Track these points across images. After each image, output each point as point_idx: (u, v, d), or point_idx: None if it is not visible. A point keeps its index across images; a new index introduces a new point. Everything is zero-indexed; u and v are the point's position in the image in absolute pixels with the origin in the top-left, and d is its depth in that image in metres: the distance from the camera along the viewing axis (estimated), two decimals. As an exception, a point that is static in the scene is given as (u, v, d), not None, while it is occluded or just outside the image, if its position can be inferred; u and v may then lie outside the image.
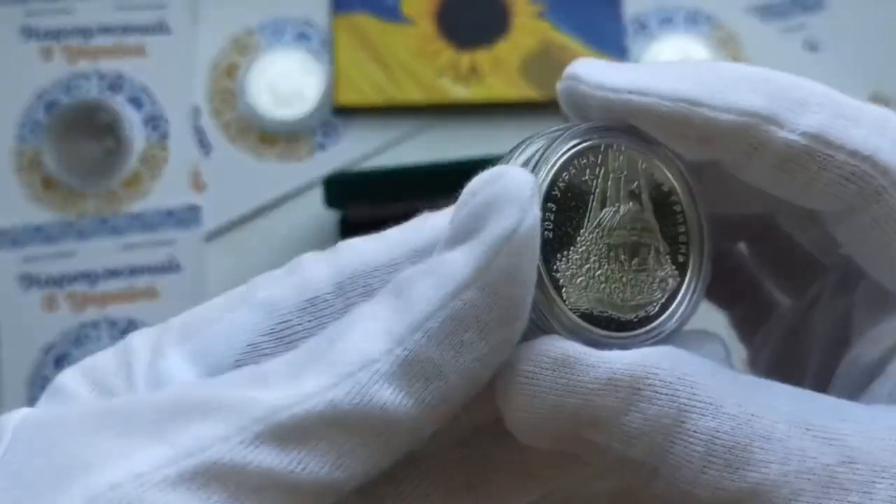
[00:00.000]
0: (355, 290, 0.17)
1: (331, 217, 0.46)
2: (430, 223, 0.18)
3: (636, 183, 0.18)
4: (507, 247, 0.15)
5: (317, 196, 0.46)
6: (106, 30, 0.49)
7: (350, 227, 0.46)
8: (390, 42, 0.49)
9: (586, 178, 0.17)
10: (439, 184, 0.43)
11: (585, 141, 0.18)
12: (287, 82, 0.49)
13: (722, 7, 0.50)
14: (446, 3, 0.50)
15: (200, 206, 0.47)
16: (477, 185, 0.16)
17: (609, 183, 0.18)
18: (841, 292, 0.20)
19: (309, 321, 0.17)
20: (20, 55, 0.48)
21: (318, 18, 0.50)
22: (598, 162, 0.18)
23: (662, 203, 0.18)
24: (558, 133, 0.18)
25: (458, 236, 0.16)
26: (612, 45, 0.49)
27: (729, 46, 0.50)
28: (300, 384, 0.15)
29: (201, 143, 0.48)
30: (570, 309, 0.17)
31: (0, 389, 0.43)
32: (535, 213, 0.15)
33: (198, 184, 0.47)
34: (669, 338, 0.18)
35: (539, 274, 0.16)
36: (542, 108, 0.49)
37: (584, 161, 0.17)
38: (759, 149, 0.17)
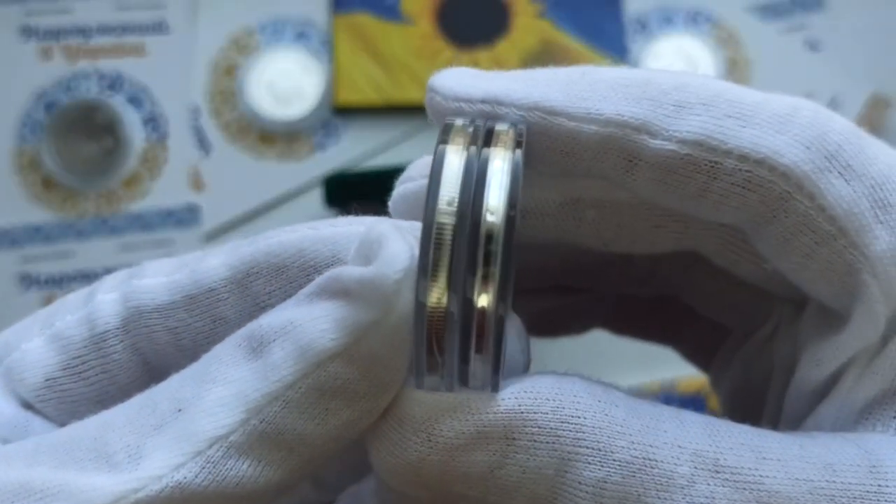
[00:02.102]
0: (138, 330, 0.16)
1: (331, 217, 0.46)
2: (206, 264, 0.16)
3: None
4: (379, 332, 0.13)
5: (316, 196, 0.46)
6: (105, 29, 0.48)
7: (350, 227, 0.46)
8: (390, 42, 0.49)
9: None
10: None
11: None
12: (287, 82, 0.48)
13: (722, 7, 0.50)
14: (446, 2, 0.50)
15: (200, 205, 0.47)
16: (367, 240, 0.14)
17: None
18: (797, 316, 0.18)
19: (99, 358, 0.16)
20: (19, 55, 0.48)
21: (318, 18, 0.50)
22: None
23: None
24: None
25: (332, 288, 0.14)
26: (613, 44, 0.49)
27: (729, 46, 0.50)
28: (145, 464, 0.13)
29: (201, 143, 0.48)
30: None
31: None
32: (404, 302, 0.14)
33: (197, 183, 0.47)
34: None
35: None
36: (542, 107, 0.49)
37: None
38: (635, 163, 0.15)
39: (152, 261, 0.17)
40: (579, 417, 0.14)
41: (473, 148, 0.14)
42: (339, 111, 0.48)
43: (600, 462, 0.14)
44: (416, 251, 0.14)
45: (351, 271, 0.14)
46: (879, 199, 0.14)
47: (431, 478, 0.14)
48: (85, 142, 0.47)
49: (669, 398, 0.43)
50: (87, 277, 0.45)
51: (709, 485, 0.13)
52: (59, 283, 0.45)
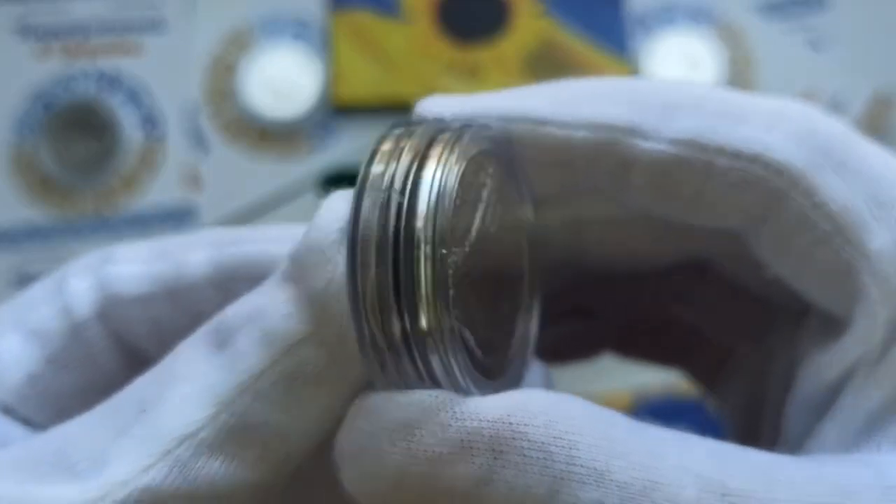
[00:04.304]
0: (117, 316, 0.16)
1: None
2: (190, 260, 0.16)
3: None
4: (329, 301, 0.13)
5: (315, 194, 0.46)
6: (103, 28, 0.48)
7: (349, 227, 0.46)
8: (390, 39, 0.48)
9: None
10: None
11: None
12: (285, 80, 0.48)
13: (724, 5, 0.50)
14: (446, 0, 0.49)
15: (198, 204, 0.46)
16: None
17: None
18: (796, 331, 0.17)
19: (82, 348, 0.16)
20: (17, 53, 0.48)
21: (316, 16, 0.49)
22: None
23: None
24: None
25: (285, 276, 0.13)
26: (614, 42, 0.49)
27: (731, 45, 0.49)
28: (109, 470, 0.12)
29: (199, 142, 0.48)
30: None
31: None
32: (340, 269, 0.13)
33: (195, 182, 0.47)
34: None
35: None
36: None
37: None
38: (628, 168, 0.15)
39: (122, 246, 0.17)
40: (574, 434, 0.13)
41: (407, 157, 0.13)
42: (338, 109, 0.48)
43: (597, 483, 0.12)
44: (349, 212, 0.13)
45: (300, 255, 0.13)
46: (875, 196, 0.14)
47: (412, 494, 0.13)
48: (82, 141, 0.47)
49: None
50: (85, 277, 0.45)
51: None
52: (56, 283, 0.45)
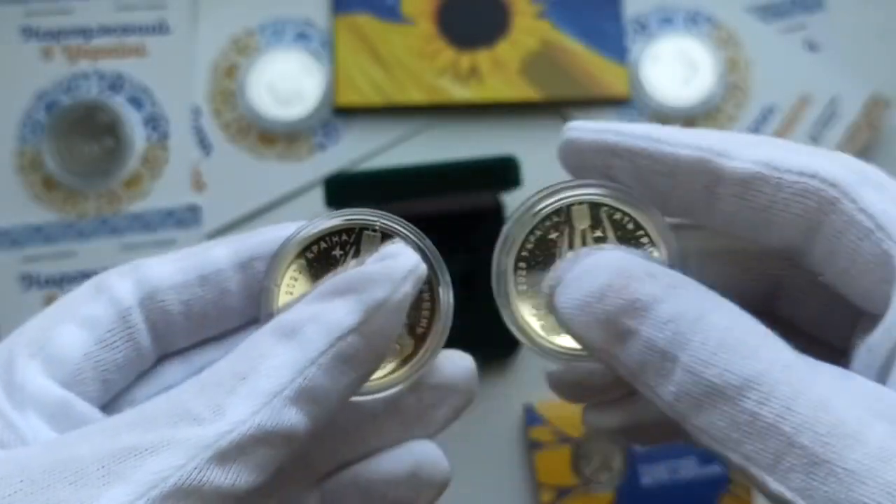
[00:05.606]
0: (154, 305, 0.22)
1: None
2: (214, 252, 0.22)
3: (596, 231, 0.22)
4: (384, 309, 0.20)
5: (317, 196, 0.46)
6: (106, 30, 0.49)
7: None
8: (390, 42, 0.49)
9: (552, 236, 0.21)
10: (439, 183, 0.43)
11: (547, 206, 0.21)
12: (287, 83, 0.49)
13: (722, 7, 0.50)
14: (447, 3, 0.50)
15: (201, 206, 0.47)
16: (379, 254, 0.21)
17: (576, 237, 0.21)
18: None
19: (125, 330, 0.21)
20: (20, 55, 0.48)
21: (319, 19, 0.50)
22: (563, 220, 0.21)
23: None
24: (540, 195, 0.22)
25: (342, 289, 0.20)
26: (613, 44, 0.49)
27: (729, 46, 0.50)
28: (230, 414, 0.18)
29: (202, 144, 0.48)
30: (544, 338, 0.21)
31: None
32: (405, 290, 0.20)
33: (198, 184, 0.47)
34: None
35: (516, 316, 0.21)
36: (541, 107, 0.49)
37: (548, 223, 0.21)
38: (719, 181, 0.20)
39: (145, 259, 0.22)
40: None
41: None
42: (340, 112, 0.48)
43: (728, 309, 0.18)
44: (407, 260, 0.21)
45: (360, 272, 0.20)
46: None
47: (611, 303, 0.19)
48: (86, 142, 0.47)
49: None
50: (88, 277, 0.45)
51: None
52: (59, 284, 0.45)
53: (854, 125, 0.48)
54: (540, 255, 0.21)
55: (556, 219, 0.21)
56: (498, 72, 0.48)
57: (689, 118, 0.49)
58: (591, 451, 0.44)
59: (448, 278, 0.22)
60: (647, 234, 0.21)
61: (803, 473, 0.16)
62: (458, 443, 0.45)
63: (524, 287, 0.21)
